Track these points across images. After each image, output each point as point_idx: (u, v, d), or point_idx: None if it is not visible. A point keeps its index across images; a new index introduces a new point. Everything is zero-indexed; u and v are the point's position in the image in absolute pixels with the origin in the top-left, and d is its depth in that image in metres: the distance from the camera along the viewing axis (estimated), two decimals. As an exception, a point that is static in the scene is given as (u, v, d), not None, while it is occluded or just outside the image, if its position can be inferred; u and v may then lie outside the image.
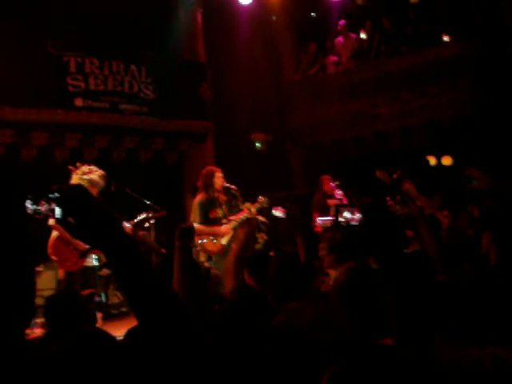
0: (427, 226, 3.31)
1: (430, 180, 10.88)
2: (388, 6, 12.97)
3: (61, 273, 7.00)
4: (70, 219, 1.55)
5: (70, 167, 6.84)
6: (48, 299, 3.45)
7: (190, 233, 3.25)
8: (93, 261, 6.88)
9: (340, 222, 9.58)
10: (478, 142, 10.88)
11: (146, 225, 7.96)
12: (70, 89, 9.90)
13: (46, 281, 7.41)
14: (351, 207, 9.35)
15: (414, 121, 12.15)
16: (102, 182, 6.83)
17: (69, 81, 9.88)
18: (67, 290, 6.19)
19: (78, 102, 9.96)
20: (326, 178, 10.50)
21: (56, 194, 1.54)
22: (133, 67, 10.73)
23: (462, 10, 11.68)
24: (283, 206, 8.10)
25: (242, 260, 3.44)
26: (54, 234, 6.63)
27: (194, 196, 8.13)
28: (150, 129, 11.04)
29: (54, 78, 9.76)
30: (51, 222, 6.25)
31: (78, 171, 6.78)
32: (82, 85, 10.01)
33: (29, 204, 6.14)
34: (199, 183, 7.61)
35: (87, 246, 6.45)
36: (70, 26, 10.08)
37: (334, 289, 2.66)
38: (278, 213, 7.94)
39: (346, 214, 9.19)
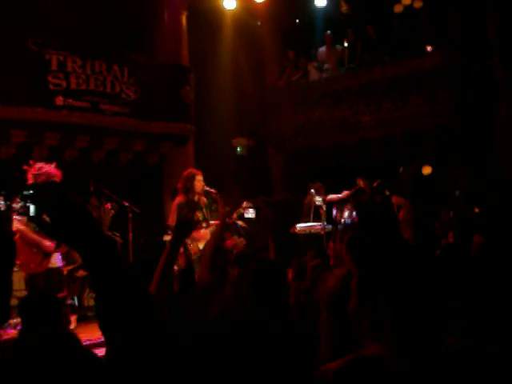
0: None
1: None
2: (372, 14, 13.03)
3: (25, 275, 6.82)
4: (45, 217, 1.51)
5: (25, 167, 6.67)
6: (22, 300, 3.40)
7: (189, 226, 3.18)
8: (57, 262, 6.67)
9: (334, 219, 9.62)
10: (458, 152, 10.97)
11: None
12: (51, 87, 9.80)
13: (19, 281, 7.27)
14: (343, 204, 9.45)
15: (395, 130, 12.22)
16: (58, 173, 6.66)
17: (50, 79, 9.78)
18: (40, 291, 6.08)
19: (59, 101, 9.86)
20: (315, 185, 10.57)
21: (31, 191, 1.52)
22: (115, 68, 10.65)
23: (444, 22, 11.78)
24: (255, 207, 8.04)
25: (215, 253, 3.37)
26: (17, 236, 6.42)
27: (173, 198, 8.07)
28: (131, 130, 10.97)
29: (34, 75, 9.65)
30: (15, 224, 6.10)
31: (32, 169, 6.62)
32: (64, 83, 9.92)
33: (2, 201, 6.05)
34: (179, 185, 7.54)
35: (53, 248, 6.35)
36: (53, 23, 9.98)
37: (323, 297, 2.61)
38: (248, 214, 7.88)
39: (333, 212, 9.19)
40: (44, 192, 1.52)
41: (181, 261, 7.13)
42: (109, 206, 7.60)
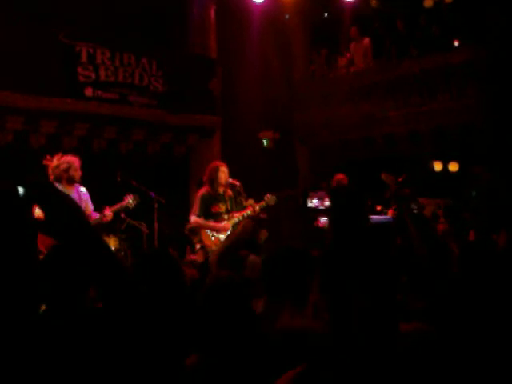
0: (415, 225, 3.33)
1: (436, 185, 10.93)
2: (401, 8, 12.94)
3: None
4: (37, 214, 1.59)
5: (45, 162, 6.76)
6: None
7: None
8: None
9: (309, 207, 9.81)
10: (486, 148, 10.87)
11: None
12: (81, 79, 9.99)
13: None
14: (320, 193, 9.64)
15: (422, 125, 12.13)
16: (77, 160, 6.76)
17: (80, 71, 9.97)
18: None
19: (88, 92, 10.05)
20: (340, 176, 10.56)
21: (23, 189, 1.55)
22: (144, 60, 10.80)
23: (474, 16, 11.64)
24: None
25: (225, 257, 3.42)
26: None
27: (198, 190, 8.16)
28: (159, 122, 11.12)
29: (65, 67, 9.86)
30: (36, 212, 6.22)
31: (52, 163, 6.70)
32: (93, 75, 10.10)
33: None
34: (204, 178, 7.63)
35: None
36: (83, 16, 10.13)
37: None
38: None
39: (315, 201, 9.49)
40: (34, 188, 1.57)
41: (199, 256, 7.22)
42: (130, 196, 7.50)
